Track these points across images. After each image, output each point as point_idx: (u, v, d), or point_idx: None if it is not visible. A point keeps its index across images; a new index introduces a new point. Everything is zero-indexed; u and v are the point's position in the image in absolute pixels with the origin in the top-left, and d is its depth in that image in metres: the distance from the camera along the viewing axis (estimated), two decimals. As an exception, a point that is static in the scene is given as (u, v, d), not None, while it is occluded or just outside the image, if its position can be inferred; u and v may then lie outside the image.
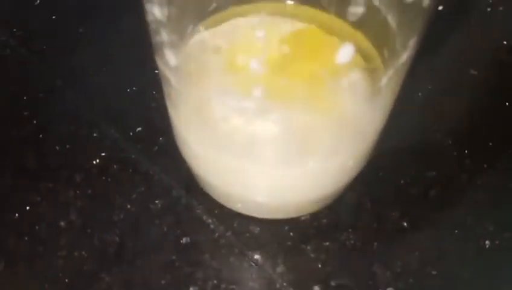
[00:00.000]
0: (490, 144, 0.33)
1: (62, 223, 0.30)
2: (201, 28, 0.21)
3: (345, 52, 0.17)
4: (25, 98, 0.35)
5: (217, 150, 0.23)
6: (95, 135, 0.33)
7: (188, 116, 0.23)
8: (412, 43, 0.18)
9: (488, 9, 0.40)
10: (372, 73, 0.19)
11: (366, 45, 0.20)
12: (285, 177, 0.23)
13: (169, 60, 0.20)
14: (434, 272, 0.28)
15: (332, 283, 0.28)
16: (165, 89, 0.23)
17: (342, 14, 0.20)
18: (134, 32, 0.38)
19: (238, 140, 0.21)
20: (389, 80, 0.19)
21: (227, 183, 0.25)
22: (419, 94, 0.34)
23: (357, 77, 0.19)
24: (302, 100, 0.19)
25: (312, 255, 0.29)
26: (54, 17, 0.39)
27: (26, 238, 0.29)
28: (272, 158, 0.22)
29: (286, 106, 0.19)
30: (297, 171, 0.22)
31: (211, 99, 0.19)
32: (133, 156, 0.32)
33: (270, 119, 0.19)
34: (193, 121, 0.23)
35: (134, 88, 0.35)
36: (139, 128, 0.33)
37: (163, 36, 0.19)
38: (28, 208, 0.30)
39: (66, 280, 0.28)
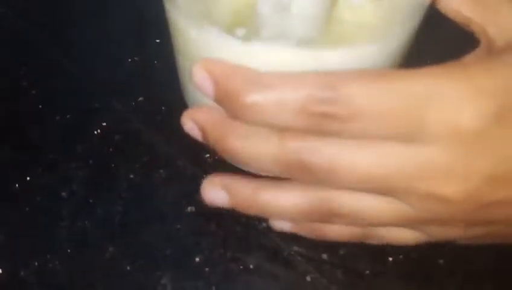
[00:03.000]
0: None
1: (64, 194, 0.29)
2: None
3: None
4: (23, 69, 0.34)
5: None
6: (96, 105, 0.32)
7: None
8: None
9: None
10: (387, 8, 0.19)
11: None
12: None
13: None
14: (445, 240, 0.27)
15: (341, 251, 0.27)
16: (175, 38, 0.22)
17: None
18: (133, 3, 0.38)
19: None
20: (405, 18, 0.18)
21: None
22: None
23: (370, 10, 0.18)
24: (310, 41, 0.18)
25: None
26: (52, -13, 0.38)
27: (27, 209, 0.29)
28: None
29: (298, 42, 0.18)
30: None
31: (223, 42, 0.19)
32: (135, 126, 0.31)
33: (281, 60, 0.18)
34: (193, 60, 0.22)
35: (135, 58, 0.35)
36: (141, 98, 0.33)
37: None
38: (28, 178, 0.30)
39: (69, 251, 0.27)
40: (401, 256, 0.27)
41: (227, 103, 0.19)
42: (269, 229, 0.28)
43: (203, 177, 0.29)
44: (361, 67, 0.20)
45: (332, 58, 0.19)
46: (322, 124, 0.18)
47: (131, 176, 0.29)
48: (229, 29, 0.18)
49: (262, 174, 0.22)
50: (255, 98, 0.18)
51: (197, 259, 0.27)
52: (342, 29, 0.18)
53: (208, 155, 0.30)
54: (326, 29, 0.18)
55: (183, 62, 0.24)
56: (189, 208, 0.28)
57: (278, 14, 0.17)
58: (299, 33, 0.18)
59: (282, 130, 0.19)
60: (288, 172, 0.20)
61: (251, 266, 0.27)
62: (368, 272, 0.26)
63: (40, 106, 0.32)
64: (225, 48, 0.19)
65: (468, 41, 0.35)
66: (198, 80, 0.19)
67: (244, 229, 0.28)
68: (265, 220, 0.28)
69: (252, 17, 0.18)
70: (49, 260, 0.27)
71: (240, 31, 0.18)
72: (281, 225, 0.25)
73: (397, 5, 0.19)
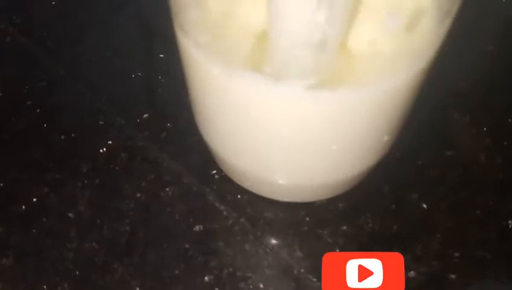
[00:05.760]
0: (509, 120, 0.32)
1: (70, 215, 0.29)
2: None
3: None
4: (27, 87, 0.34)
5: (238, 124, 0.22)
6: (100, 123, 0.32)
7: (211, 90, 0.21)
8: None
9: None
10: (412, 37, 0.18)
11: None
12: (311, 156, 0.22)
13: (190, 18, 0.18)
14: (456, 254, 0.27)
15: (352, 268, 0.27)
16: (185, 62, 0.21)
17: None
18: (136, 18, 0.38)
19: (261, 115, 0.20)
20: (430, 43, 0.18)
21: (247, 161, 0.24)
22: (436, 72, 0.33)
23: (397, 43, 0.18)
24: (336, 74, 0.18)
25: (329, 240, 0.28)
26: (54, 2, 0.38)
27: (34, 230, 0.28)
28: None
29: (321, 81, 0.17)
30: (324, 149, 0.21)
31: (237, 75, 0.18)
32: (140, 144, 0.31)
33: (301, 97, 0.18)
34: (215, 96, 0.21)
35: (139, 74, 0.34)
36: (146, 115, 0.32)
37: None
38: (34, 200, 0.29)
39: (77, 272, 0.27)
40: (412, 272, 0.26)
41: None
42: (279, 247, 0.28)
43: (210, 194, 0.29)
44: (389, 100, 0.20)
45: (358, 94, 0.18)
46: None
47: (138, 195, 0.29)
48: (254, 65, 0.18)
49: None
50: None
51: (206, 278, 0.27)
52: (360, 62, 0.18)
53: (215, 172, 0.30)
54: (344, 62, 0.18)
55: (199, 96, 0.23)
56: (197, 227, 0.28)
57: (305, 51, 0.16)
58: (322, 66, 0.17)
59: None
60: None
61: (261, 285, 0.26)
62: (379, 289, 0.26)
63: (45, 125, 0.32)
64: (253, 88, 0.18)
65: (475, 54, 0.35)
66: None
67: (253, 247, 0.28)
68: (275, 237, 0.28)
69: (276, 52, 0.17)
70: (58, 283, 0.27)
71: (267, 68, 0.18)
72: None
73: (420, 33, 0.18)
